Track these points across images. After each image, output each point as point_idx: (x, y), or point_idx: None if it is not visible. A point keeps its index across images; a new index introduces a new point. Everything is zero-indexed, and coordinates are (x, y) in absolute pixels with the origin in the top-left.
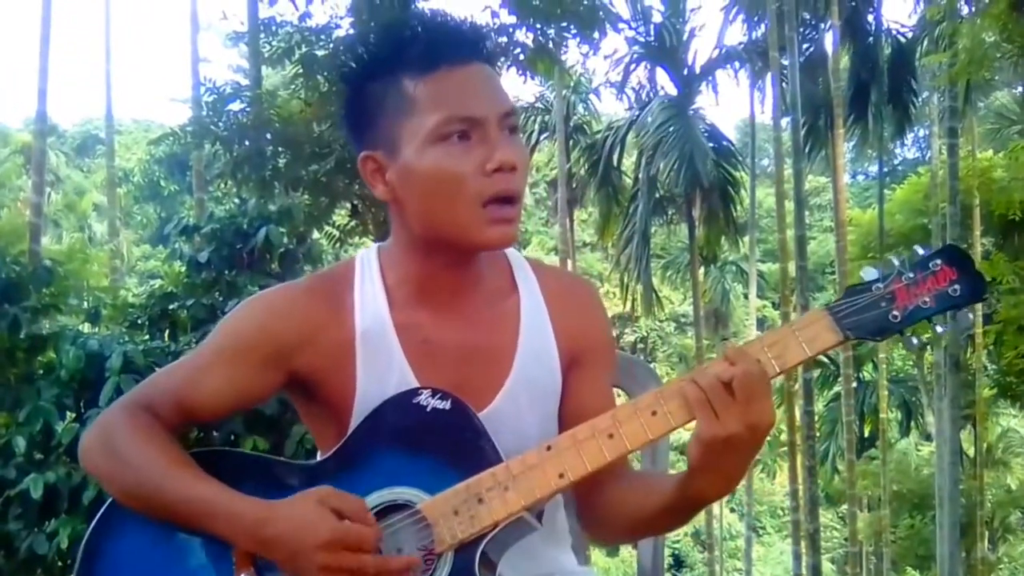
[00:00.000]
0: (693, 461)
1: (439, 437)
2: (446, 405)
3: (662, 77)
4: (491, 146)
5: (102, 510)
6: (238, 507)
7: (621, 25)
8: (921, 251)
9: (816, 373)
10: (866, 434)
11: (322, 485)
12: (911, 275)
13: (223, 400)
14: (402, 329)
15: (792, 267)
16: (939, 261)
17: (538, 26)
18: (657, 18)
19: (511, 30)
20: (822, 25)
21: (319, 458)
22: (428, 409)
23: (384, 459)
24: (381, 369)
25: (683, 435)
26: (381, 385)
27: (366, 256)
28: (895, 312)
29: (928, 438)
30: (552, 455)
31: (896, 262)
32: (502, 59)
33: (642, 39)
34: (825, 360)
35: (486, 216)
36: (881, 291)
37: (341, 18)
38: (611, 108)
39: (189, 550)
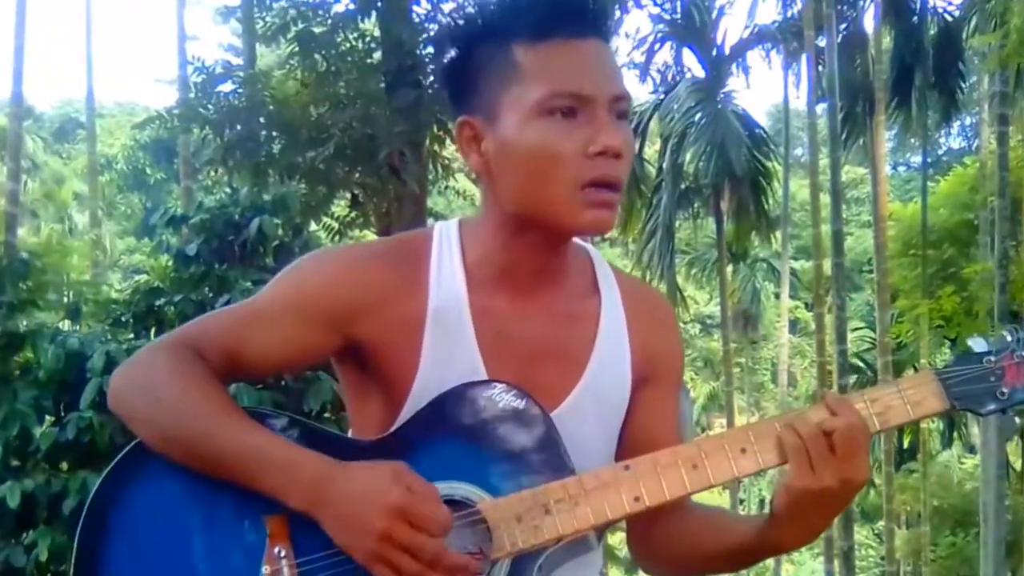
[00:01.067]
0: (779, 510)
1: (508, 436)
2: (520, 404)
3: (689, 58)
4: (597, 128)
5: (120, 456)
6: (300, 459)
7: (644, 1)
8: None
9: (852, 380)
10: (905, 445)
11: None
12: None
13: (275, 356)
14: (478, 313)
15: (827, 265)
16: None
17: None
18: None
19: None
20: (862, 2)
21: (354, 436)
22: (500, 405)
23: (446, 450)
24: (449, 352)
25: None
26: (445, 369)
27: (446, 229)
28: (1004, 389)
29: (972, 450)
30: (630, 476)
31: (1009, 337)
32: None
33: (667, 17)
34: (862, 365)
35: (584, 199)
36: (992, 365)
37: None
38: (633, 92)
39: (217, 517)
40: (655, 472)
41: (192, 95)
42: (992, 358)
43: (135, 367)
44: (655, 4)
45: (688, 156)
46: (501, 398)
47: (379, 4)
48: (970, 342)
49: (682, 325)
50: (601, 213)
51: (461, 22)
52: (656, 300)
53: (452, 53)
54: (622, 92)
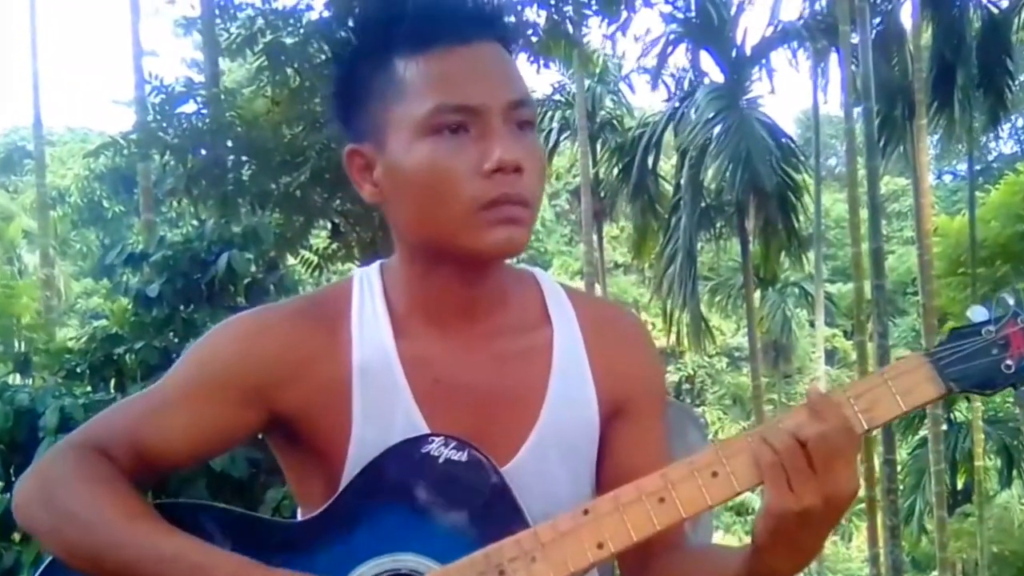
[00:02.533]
0: (760, 537)
1: (452, 495)
2: (462, 456)
3: (706, 61)
4: (491, 142)
5: (37, 573)
6: (215, 561)
7: None
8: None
9: None
10: (959, 486)
11: (308, 551)
12: None
13: (189, 444)
14: (410, 363)
15: (867, 287)
16: None
17: (552, 2)
18: None
19: (519, 7)
20: None
21: (302, 516)
22: (440, 460)
23: (386, 519)
24: (383, 411)
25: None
26: (382, 430)
27: (366, 275)
28: (1008, 361)
29: None
30: (590, 520)
31: (1011, 300)
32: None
33: (681, 15)
34: None
35: (484, 219)
36: (993, 335)
37: None
38: (645, 100)
39: None
40: (617, 512)
41: (151, 117)
42: (992, 327)
43: (37, 476)
44: (667, 1)
45: (709, 171)
46: (440, 452)
47: (356, 11)
48: (969, 312)
49: (707, 359)
50: (508, 231)
51: (343, 38)
52: (619, 316)
53: (336, 74)
54: (520, 97)
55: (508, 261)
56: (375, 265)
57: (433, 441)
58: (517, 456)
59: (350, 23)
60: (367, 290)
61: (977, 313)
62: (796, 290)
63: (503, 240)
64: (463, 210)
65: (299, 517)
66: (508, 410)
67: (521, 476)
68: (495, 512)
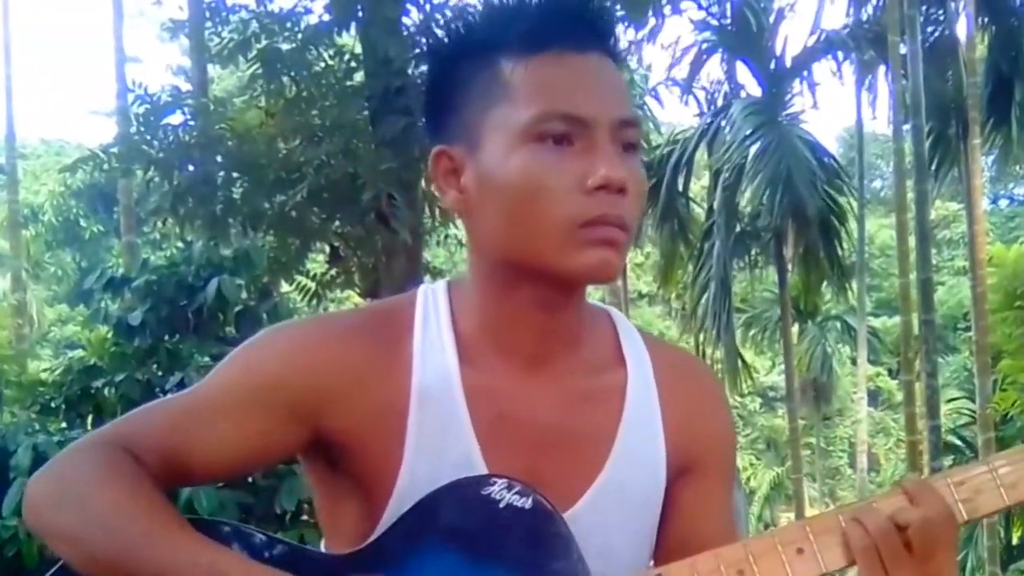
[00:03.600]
0: None
1: (513, 543)
2: (526, 503)
3: (743, 73)
4: (596, 157)
5: None
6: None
7: (686, 3)
8: None
9: (948, 461)
10: (1014, 540)
11: None
12: None
13: (226, 457)
14: (473, 392)
15: (915, 321)
16: None
17: None
18: None
19: None
20: (952, 1)
21: (329, 549)
22: (502, 505)
23: (436, 562)
24: (439, 441)
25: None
26: (435, 463)
27: (431, 292)
28: None
29: None
30: None
31: None
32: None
33: (715, 22)
34: (959, 444)
35: (580, 238)
36: None
37: (313, 0)
38: (675, 114)
39: None
40: None
41: (133, 129)
42: None
43: (55, 473)
44: (699, 7)
45: (745, 193)
46: (502, 496)
47: (360, 14)
48: None
49: (739, 399)
50: (603, 253)
51: (442, 34)
52: (698, 370)
53: (431, 71)
54: (630, 117)
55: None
56: (442, 283)
57: (495, 483)
58: (576, 505)
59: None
60: (432, 308)
61: None
62: (838, 324)
63: (597, 262)
64: (559, 226)
65: (323, 550)
66: (572, 455)
67: (577, 527)
68: (555, 567)
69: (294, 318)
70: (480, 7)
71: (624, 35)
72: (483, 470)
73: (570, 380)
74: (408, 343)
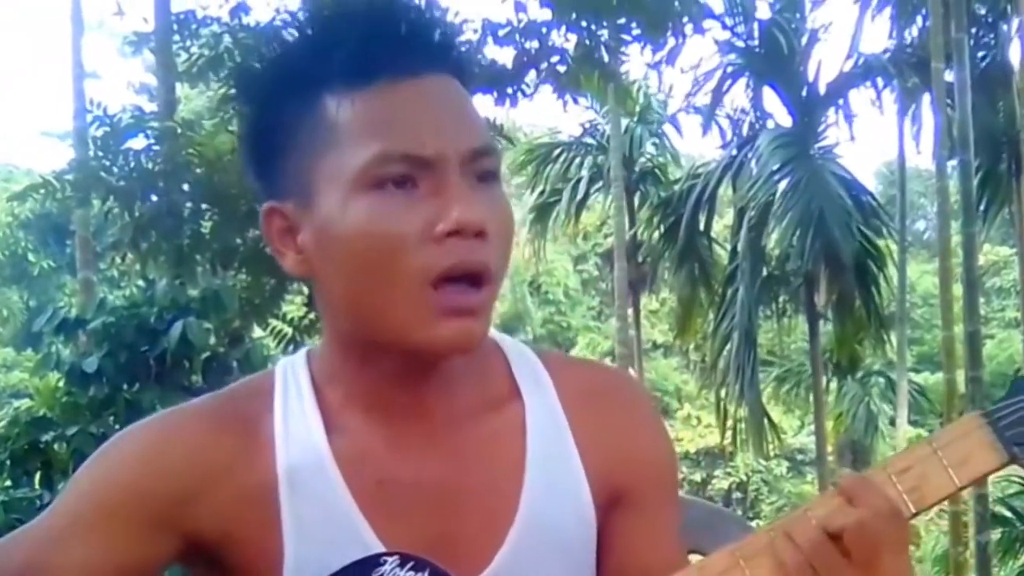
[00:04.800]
0: None
1: None
2: None
3: (771, 100)
4: (447, 198)
5: None
6: None
7: (709, 23)
8: None
9: (997, 535)
10: None
11: None
12: None
13: None
14: (347, 463)
15: (960, 379)
16: None
17: (584, 24)
18: (763, 12)
19: (544, 30)
20: (1004, 24)
21: None
22: None
23: None
24: (319, 522)
25: None
26: (322, 546)
27: (290, 365)
28: None
29: None
30: None
31: None
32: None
33: (741, 43)
34: (1009, 515)
35: (435, 303)
36: None
37: (292, 13)
38: (696, 145)
39: None
40: None
41: (91, 154)
42: None
43: None
44: (724, 27)
45: (773, 234)
46: (395, 575)
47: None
48: None
49: (763, 463)
50: (461, 324)
51: (252, 71)
52: (612, 383)
53: (249, 114)
54: (482, 143)
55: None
56: (300, 353)
57: (385, 562)
58: (492, 565)
59: (274, 47)
60: (292, 382)
61: None
62: (881, 380)
63: (455, 336)
64: (409, 286)
65: None
66: (476, 510)
67: None
68: None
69: (141, 420)
70: (296, 34)
71: (641, 56)
72: (378, 547)
73: (456, 428)
74: (269, 421)
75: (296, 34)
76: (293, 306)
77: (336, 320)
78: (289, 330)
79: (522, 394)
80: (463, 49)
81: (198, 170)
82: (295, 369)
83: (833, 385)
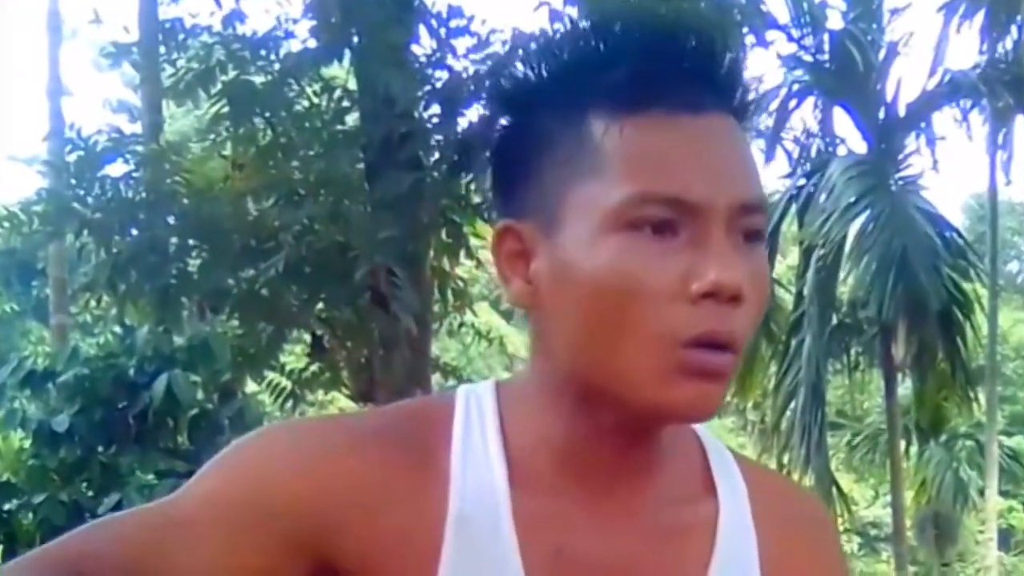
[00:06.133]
0: None
1: None
2: None
3: (844, 123)
4: (707, 253)
5: None
6: None
7: (773, 34)
8: None
9: None
10: None
11: None
12: None
13: None
14: (526, 521)
15: None
16: None
17: None
18: (835, 22)
19: None
20: None
21: None
22: None
23: None
24: None
25: None
26: None
27: (475, 396)
28: None
29: None
30: None
31: None
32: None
33: (809, 58)
34: None
35: (678, 362)
36: None
37: (295, 21)
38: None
39: None
40: None
41: (65, 181)
42: None
43: None
44: (789, 39)
45: (847, 277)
46: None
47: (356, 40)
48: None
49: None
50: (702, 387)
51: (517, 77)
52: (803, 501)
53: (502, 124)
54: (755, 200)
55: None
56: (488, 384)
57: None
58: None
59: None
60: (476, 415)
61: None
62: (971, 444)
63: (694, 400)
64: (652, 345)
65: None
66: None
67: None
68: None
69: (301, 420)
70: (567, 44)
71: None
72: None
73: (648, 512)
74: (445, 456)
75: (571, 43)
76: (292, 356)
77: (552, 361)
78: (288, 384)
79: (718, 494)
80: (749, 87)
81: (185, 200)
82: (480, 401)
83: (913, 450)
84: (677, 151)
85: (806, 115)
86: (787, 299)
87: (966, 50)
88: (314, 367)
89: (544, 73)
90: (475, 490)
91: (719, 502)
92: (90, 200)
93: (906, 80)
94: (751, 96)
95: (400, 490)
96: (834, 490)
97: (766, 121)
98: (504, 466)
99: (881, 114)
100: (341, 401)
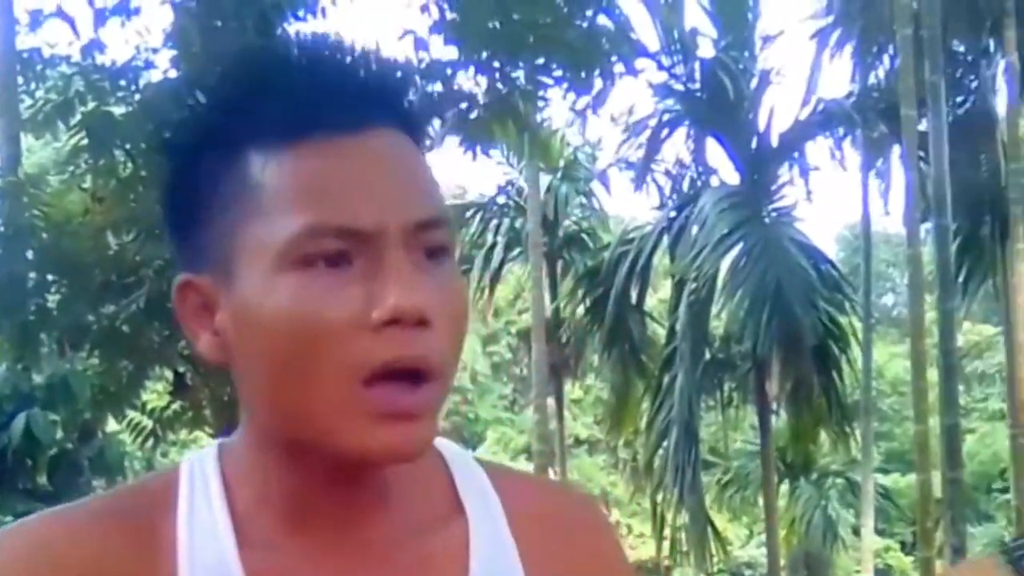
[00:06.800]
0: None
1: None
2: None
3: (716, 153)
4: (386, 279)
5: None
6: None
7: (643, 63)
8: None
9: None
10: None
11: None
12: None
13: None
14: None
15: (937, 480)
16: None
17: (497, 64)
18: (706, 51)
19: (449, 72)
20: (986, 63)
21: None
22: None
23: None
24: None
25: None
26: None
27: (199, 462)
28: None
29: None
30: None
31: None
32: (433, 123)
33: (680, 87)
34: None
35: (369, 405)
36: None
37: (155, 51)
38: (628, 206)
39: None
40: None
41: None
42: None
43: None
44: (660, 67)
45: (721, 311)
46: None
47: (221, 67)
48: None
49: None
50: (398, 430)
51: (175, 125)
52: (565, 501)
53: (168, 169)
54: (431, 213)
55: None
56: (212, 448)
57: None
58: None
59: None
60: (200, 481)
61: None
62: (841, 482)
63: (396, 443)
64: (338, 382)
65: None
66: None
67: None
68: None
69: (16, 522)
70: (224, 80)
71: (564, 101)
72: None
73: (387, 552)
74: (171, 528)
75: (227, 79)
76: (154, 395)
77: (255, 413)
78: (149, 423)
79: (466, 511)
80: (414, 97)
81: (44, 234)
82: (203, 465)
83: (784, 487)
84: (341, 177)
85: (678, 145)
86: (660, 334)
87: (839, 79)
88: (176, 405)
89: (199, 113)
90: (204, 559)
91: (468, 522)
92: None
93: (779, 110)
94: (418, 107)
95: (126, 568)
96: (709, 529)
97: (637, 153)
98: (230, 530)
99: (754, 144)
100: (203, 439)
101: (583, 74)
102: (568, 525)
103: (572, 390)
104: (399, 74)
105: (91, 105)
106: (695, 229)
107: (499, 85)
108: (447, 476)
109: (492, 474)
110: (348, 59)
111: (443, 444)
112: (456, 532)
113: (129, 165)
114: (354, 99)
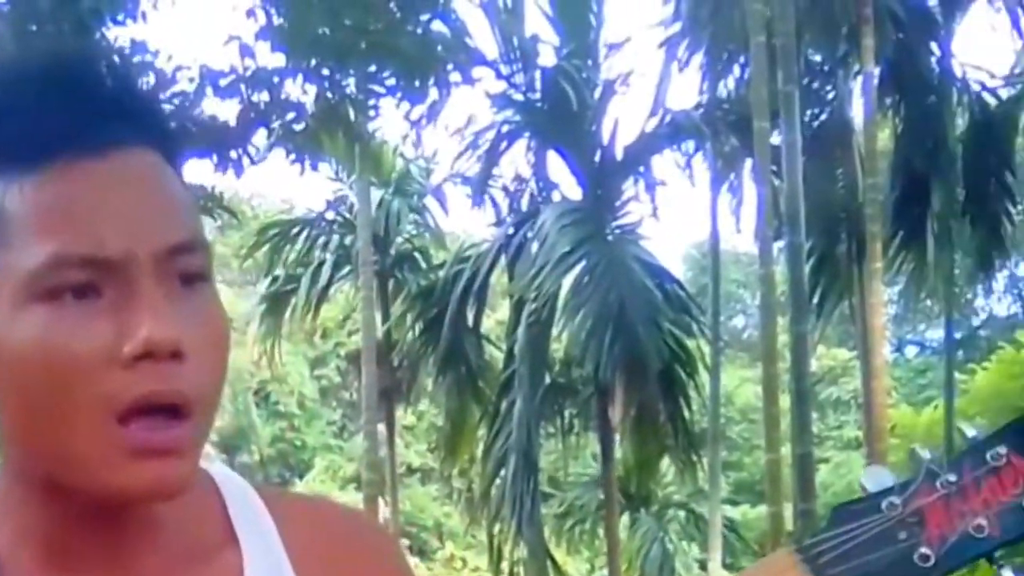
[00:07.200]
0: None
1: None
2: None
3: (557, 166)
4: (137, 310)
5: None
6: None
7: (481, 71)
8: (971, 433)
9: None
10: None
11: None
12: (952, 478)
13: None
14: None
15: (788, 513)
16: (1003, 450)
17: (326, 72)
18: (547, 59)
19: (276, 80)
20: (842, 72)
21: None
22: None
23: None
24: None
25: None
26: None
27: None
28: (924, 549)
29: None
30: None
31: (925, 456)
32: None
33: (520, 96)
34: None
35: (125, 442)
36: (899, 512)
37: None
38: (464, 222)
39: None
40: None
41: None
42: (897, 500)
43: None
44: (498, 76)
45: (561, 333)
46: None
47: None
48: (863, 479)
49: None
50: (156, 467)
51: None
52: (348, 528)
53: None
54: (183, 238)
55: None
56: None
57: None
58: None
59: None
60: None
61: (875, 478)
62: (682, 514)
63: (149, 480)
64: (90, 420)
65: None
66: None
67: None
68: None
69: None
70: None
71: (397, 111)
72: None
73: None
74: None
75: None
76: None
77: (12, 450)
78: None
79: (239, 540)
80: (164, 113)
81: None
82: None
83: (624, 519)
84: (87, 203)
85: (517, 158)
86: (497, 357)
87: (688, 89)
88: None
89: None
90: None
91: (243, 552)
92: None
93: (625, 121)
94: (168, 124)
95: None
96: (548, 563)
97: (475, 166)
98: None
99: (597, 157)
100: None
101: (417, 82)
102: (348, 544)
103: (404, 416)
104: (148, 89)
105: None
106: (535, 247)
107: (329, 94)
108: (221, 504)
109: (268, 499)
110: (94, 75)
111: (216, 471)
112: (231, 561)
113: None
114: (101, 118)
